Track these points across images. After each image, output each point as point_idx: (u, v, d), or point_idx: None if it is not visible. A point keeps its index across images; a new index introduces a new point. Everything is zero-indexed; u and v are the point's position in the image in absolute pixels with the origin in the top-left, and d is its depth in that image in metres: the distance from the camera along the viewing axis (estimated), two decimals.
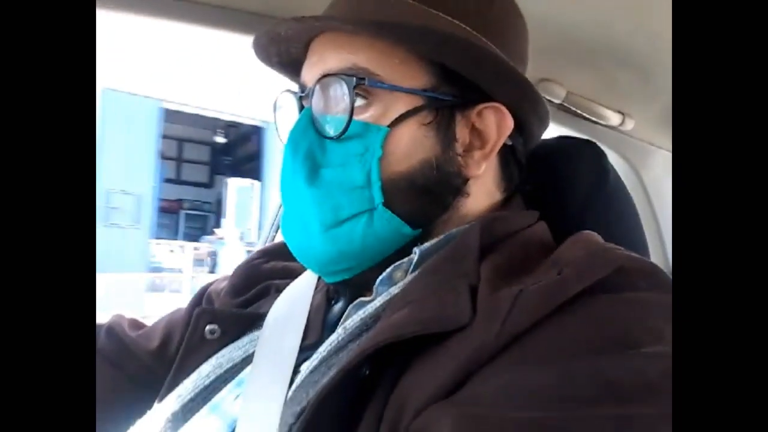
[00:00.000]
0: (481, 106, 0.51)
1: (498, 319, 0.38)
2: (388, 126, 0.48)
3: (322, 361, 0.46)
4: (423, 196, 0.50)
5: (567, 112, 0.94)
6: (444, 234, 0.51)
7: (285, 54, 0.56)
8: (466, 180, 0.52)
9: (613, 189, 0.62)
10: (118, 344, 0.64)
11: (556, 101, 0.90)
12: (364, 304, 0.49)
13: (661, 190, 1.07)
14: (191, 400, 0.52)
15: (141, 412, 0.57)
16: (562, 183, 0.60)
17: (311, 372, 0.46)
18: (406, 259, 0.50)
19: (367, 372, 0.41)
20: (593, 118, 0.95)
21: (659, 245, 1.08)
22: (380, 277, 0.50)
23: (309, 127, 0.51)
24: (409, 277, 0.49)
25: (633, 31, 0.80)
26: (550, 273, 0.41)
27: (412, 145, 0.49)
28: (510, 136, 0.52)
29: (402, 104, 0.49)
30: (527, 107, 0.52)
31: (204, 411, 0.51)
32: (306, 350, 0.51)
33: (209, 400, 0.52)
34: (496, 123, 0.51)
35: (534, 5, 0.74)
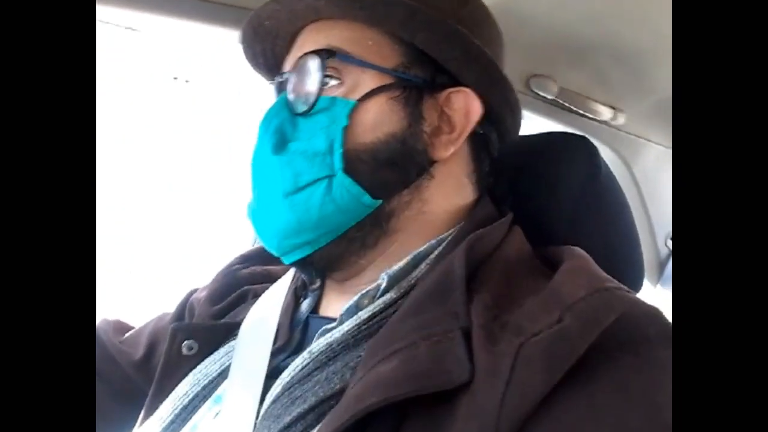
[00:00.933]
0: (449, 90, 0.52)
1: (501, 378, 0.36)
2: (357, 99, 0.49)
3: (285, 390, 0.45)
4: (386, 168, 0.50)
5: (559, 107, 0.94)
6: (409, 251, 0.50)
7: (270, 53, 0.58)
8: (431, 161, 0.52)
9: (606, 184, 0.62)
10: (102, 353, 0.64)
11: (549, 97, 0.91)
12: (328, 330, 0.48)
13: (652, 184, 1.08)
14: (171, 422, 0.51)
15: (122, 424, 0.58)
16: (554, 178, 0.60)
17: (273, 402, 0.45)
18: (373, 286, 0.49)
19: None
20: (585, 113, 0.96)
21: (650, 239, 1.09)
22: (345, 307, 0.48)
23: (283, 107, 0.52)
24: (380, 302, 0.47)
25: (625, 27, 0.80)
26: (548, 316, 0.38)
27: (378, 118, 0.50)
28: (481, 125, 0.53)
29: (371, 81, 0.50)
30: (497, 93, 0.52)
31: (185, 431, 0.50)
32: (277, 354, 0.51)
33: (189, 419, 0.51)
34: (464, 108, 0.52)
35: (525, 2, 0.74)
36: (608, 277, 0.43)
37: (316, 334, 0.49)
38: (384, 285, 0.48)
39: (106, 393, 0.62)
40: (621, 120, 0.98)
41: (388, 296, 0.48)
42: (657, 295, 1.12)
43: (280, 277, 0.63)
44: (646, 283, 1.10)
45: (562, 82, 0.90)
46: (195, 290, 0.69)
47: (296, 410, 0.43)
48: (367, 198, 0.49)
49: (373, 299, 0.48)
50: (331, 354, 0.46)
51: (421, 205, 0.51)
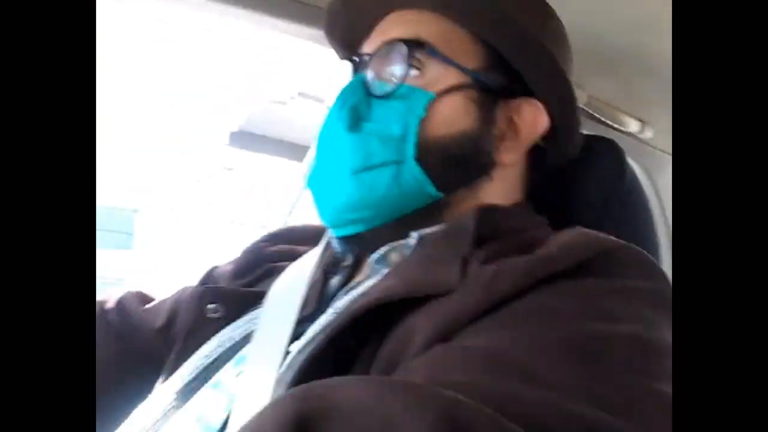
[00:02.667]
0: (521, 100, 0.54)
1: (479, 288, 0.39)
2: (437, 93, 0.51)
3: (309, 342, 0.47)
4: (453, 163, 0.52)
5: (587, 116, 0.95)
6: (446, 223, 0.52)
7: (350, 28, 0.59)
8: (494, 163, 0.54)
9: (631, 188, 0.64)
10: (125, 319, 0.65)
11: (578, 105, 0.91)
12: (357, 285, 0.51)
13: None
14: (194, 379, 0.53)
15: (144, 390, 0.58)
16: (581, 178, 0.62)
17: (299, 352, 0.47)
18: (403, 241, 0.51)
19: (353, 343, 0.41)
20: (614, 124, 0.96)
21: (670, 252, 1.08)
22: (375, 256, 0.51)
23: (359, 86, 0.53)
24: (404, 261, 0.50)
25: (657, 40, 0.81)
26: (538, 252, 0.42)
27: (454, 115, 0.52)
28: (543, 139, 0.55)
29: (452, 78, 0.52)
30: (564, 112, 0.55)
31: (206, 388, 0.51)
32: (302, 323, 0.52)
33: (211, 378, 0.52)
34: (532, 119, 0.54)
35: (559, 10, 0.76)
36: (605, 234, 0.45)
37: (341, 291, 0.51)
38: (413, 243, 0.50)
39: (132, 359, 0.63)
40: (648, 134, 0.98)
41: (412, 253, 0.49)
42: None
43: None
44: None
45: (591, 91, 0.91)
46: (217, 266, 0.70)
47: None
48: (432, 188, 0.51)
49: (401, 256, 0.51)
50: (358, 304, 0.46)
51: (474, 202, 0.53)
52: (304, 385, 0.30)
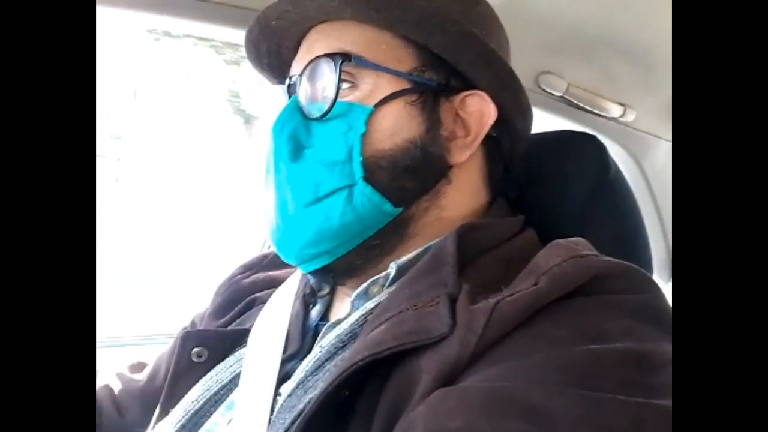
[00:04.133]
0: (464, 94, 0.51)
1: (475, 332, 0.37)
2: (374, 105, 0.49)
3: (299, 384, 0.46)
4: (405, 175, 0.49)
5: (567, 104, 0.94)
6: (420, 243, 0.50)
7: (275, 54, 0.57)
8: (449, 166, 0.51)
9: (615, 183, 0.62)
10: (125, 392, 0.65)
11: (557, 94, 0.91)
12: (339, 321, 0.49)
13: (662, 180, 1.08)
14: (183, 426, 0.51)
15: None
16: (563, 177, 0.60)
17: (289, 396, 0.46)
18: (383, 274, 0.49)
19: (347, 394, 0.39)
20: (594, 110, 0.95)
21: (661, 236, 1.08)
22: (356, 292, 0.49)
23: (294, 111, 0.51)
24: (386, 291, 0.48)
25: (633, 24, 0.80)
26: (526, 283, 0.40)
27: (397, 124, 0.49)
28: (494, 128, 0.52)
29: (388, 86, 0.49)
30: (509, 96, 0.52)
31: None
32: (288, 362, 0.51)
33: (201, 425, 0.51)
34: (479, 111, 0.51)
35: (535, 0, 0.75)
36: (589, 247, 0.44)
37: (324, 328, 0.49)
38: (393, 274, 0.48)
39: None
40: (630, 117, 0.98)
41: (395, 286, 0.48)
42: (667, 293, 1.12)
43: (284, 280, 0.62)
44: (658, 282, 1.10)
45: (570, 79, 0.90)
46: (194, 315, 0.69)
47: (308, 397, 0.44)
48: (388, 206, 0.49)
49: (382, 288, 0.49)
50: (340, 344, 0.46)
51: (438, 211, 0.51)
52: None
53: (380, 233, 0.50)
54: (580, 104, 0.94)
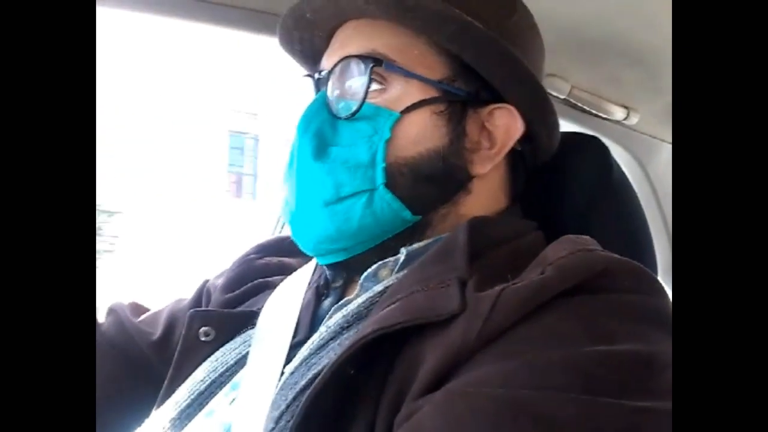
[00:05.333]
0: (492, 107, 0.52)
1: (480, 317, 0.37)
2: (401, 112, 0.49)
3: (303, 361, 0.46)
4: (426, 184, 0.50)
5: (571, 106, 0.94)
6: (434, 237, 0.51)
7: (308, 42, 0.57)
8: (470, 177, 0.52)
9: (618, 185, 0.62)
10: (121, 330, 0.64)
11: (561, 96, 0.91)
12: (348, 302, 0.49)
13: (666, 183, 1.07)
14: (188, 406, 0.52)
15: (138, 402, 0.58)
16: (565, 178, 0.60)
17: (292, 373, 0.46)
18: (392, 258, 0.50)
19: (352, 372, 0.40)
20: (598, 113, 0.95)
21: (665, 239, 1.08)
22: (365, 274, 0.50)
23: (322, 107, 0.52)
24: (395, 276, 0.49)
25: (637, 27, 0.80)
26: (532, 273, 0.40)
27: (421, 132, 0.50)
28: (519, 142, 0.53)
29: (416, 93, 0.50)
30: (538, 114, 0.52)
31: (200, 417, 0.51)
32: (296, 348, 0.51)
33: (205, 405, 0.52)
34: (505, 125, 0.52)
35: (538, 2, 0.75)
36: (595, 243, 0.44)
37: (332, 309, 0.50)
38: (402, 259, 0.49)
39: (125, 370, 0.62)
40: (634, 120, 0.98)
41: (405, 271, 0.48)
42: (671, 295, 1.11)
43: (296, 269, 0.63)
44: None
45: (574, 82, 0.90)
46: (208, 280, 0.69)
47: (311, 374, 0.44)
48: (407, 213, 0.50)
49: (391, 272, 0.49)
50: (345, 324, 0.47)
51: (457, 219, 0.51)
52: None
53: (398, 236, 0.51)
54: (584, 107, 0.94)
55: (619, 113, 0.96)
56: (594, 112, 0.95)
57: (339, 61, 0.51)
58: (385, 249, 0.50)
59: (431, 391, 0.36)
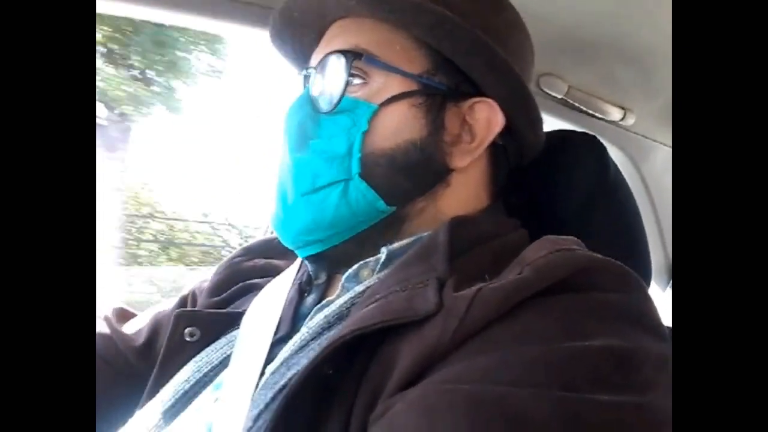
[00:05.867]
0: (473, 100, 0.52)
1: (456, 317, 0.38)
2: (379, 104, 0.50)
3: (283, 362, 0.46)
4: (402, 175, 0.50)
5: (568, 106, 0.94)
6: (412, 233, 0.51)
7: (298, 43, 0.58)
8: (449, 170, 0.52)
9: (615, 183, 0.62)
10: (105, 338, 0.64)
11: (558, 96, 0.91)
12: (329, 303, 0.50)
13: (661, 185, 1.08)
14: (172, 405, 0.52)
15: (123, 409, 0.57)
16: (563, 176, 0.60)
17: (272, 373, 0.46)
18: (373, 258, 0.50)
19: (330, 372, 0.40)
20: (595, 113, 0.95)
21: (659, 240, 1.08)
22: (346, 274, 0.50)
23: (306, 103, 0.53)
24: (376, 276, 0.49)
25: (635, 27, 0.80)
26: (511, 273, 0.41)
27: (400, 124, 0.50)
28: (501, 136, 0.53)
29: (396, 86, 0.50)
30: (517, 107, 0.52)
31: (184, 416, 0.51)
32: (277, 344, 0.51)
33: (189, 404, 0.52)
34: (486, 119, 0.52)
35: (535, 2, 0.74)
36: (580, 244, 0.44)
37: (314, 310, 0.50)
38: (383, 259, 0.49)
39: (109, 376, 0.62)
40: (630, 120, 0.98)
41: (386, 271, 0.48)
42: (666, 300, 1.11)
43: (281, 270, 0.63)
44: (656, 288, 1.10)
45: (571, 82, 0.90)
46: (195, 286, 0.69)
47: (290, 373, 0.44)
48: (381, 204, 0.50)
49: (372, 272, 0.50)
50: (326, 325, 0.47)
51: (435, 213, 0.52)
52: None
53: (374, 228, 0.51)
54: (581, 107, 0.94)
55: (615, 114, 0.96)
56: (591, 112, 0.95)
57: (323, 58, 0.52)
58: (362, 241, 0.51)
59: (406, 389, 0.36)
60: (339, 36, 0.53)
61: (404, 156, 0.50)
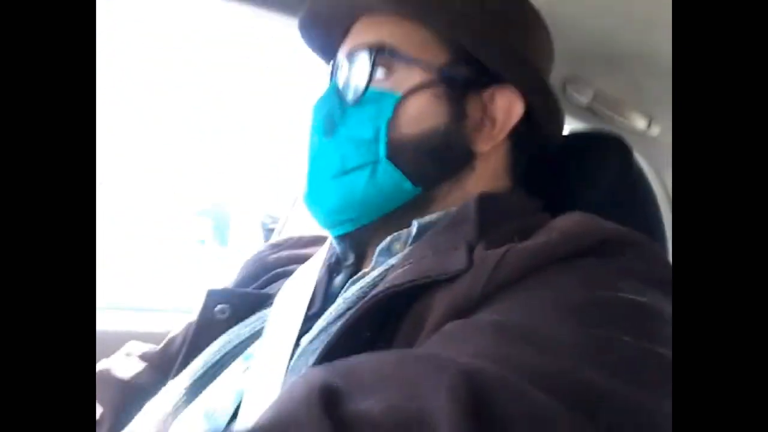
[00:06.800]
0: (493, 89, 0.55)
1: (486, 272, 0.40)
2: (403, 93, 0.53)
3: (321, 331, 0.48)
4: (427, 159, 0.53)
5: (593, 112, 0.95)
6: (443, 210, 0.54)
7: (326, 38, 0.61)
8: (473, 154, 0.55)
9: (636, 183, 0.64)
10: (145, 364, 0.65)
11: (584, 101, 0.92)
12: (363, 275, 0.52)
13: None
14: (202, 376, 0.54)
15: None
16: (585, 173, 0.62)
17: (310, 342, 0.48)
18: (404, 231, 0.52)
19: (369, 335, 0.42)
20: (620, 120, 0.96)
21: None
22: (379, 247, 0.52)
23: (333, 95, 0.55)
24: (408, 249, 0.51)
25: (663, 37, 0.80)
26: (539, 237, 0.43)
27: (423, 112, 0.53)
28: (522, 124, 0.55)
29: (418, 77, 0.53)
30: (536, 97, 0.55)
31: (214, 385, 0.52)
32: (309, 320, 0.53)
33: (218, 375, 0.53)
34: (506, 106, 0.55)
35: (565, 7, 0.76)
36: (605, 221, 0.45)
37: (349, 282, 0.53)
38: (414, 232, 0.52)
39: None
40: (656, 131, 0.98)
41: (417, 242, 0.51)
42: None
43: (307, 259, 0.65)
44: None
45: (597, 88, 0.91)
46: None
47: (329, 340, 0.45)
48: (408, 184, 0.53)
49: (404, 245, 0.52)
50: (362, 294, 0.49)
51: (461, 194, 0.54)
52: (330, 363, 0.33)
53: (402, 209, 0.53)
54: (607, 113, 0.94)
55: (641, 122, 0.96)
56: (616, 119, 0.95)
57: (349, 52, 0.55)
58: (390, 221, 0.53)
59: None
60: (364, 31, 0.56)
61: (429, 141, 0.53)
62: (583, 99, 0.91)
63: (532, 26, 0.59)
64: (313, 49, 0.64)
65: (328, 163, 0.54)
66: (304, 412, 0.28)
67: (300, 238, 0.74)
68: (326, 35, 0.61)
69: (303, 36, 0.63)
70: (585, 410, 0.30)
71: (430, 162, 0.53)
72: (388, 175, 0.52)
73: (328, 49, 0.62)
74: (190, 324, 0.68)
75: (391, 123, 0.52)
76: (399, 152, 0.52)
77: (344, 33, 0.59)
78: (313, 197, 0.55)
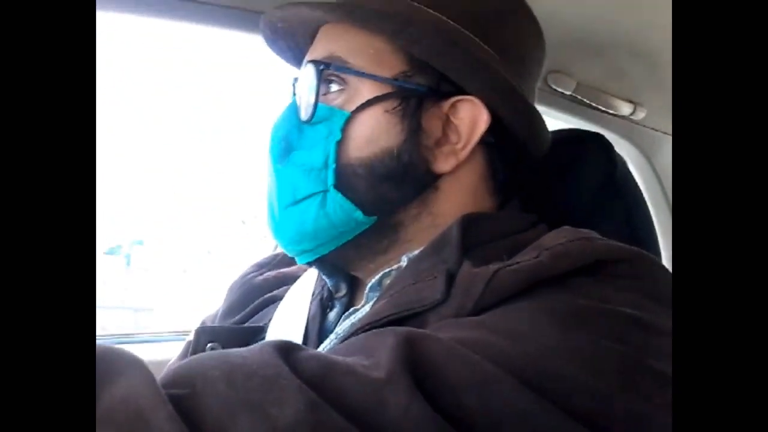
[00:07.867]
0: (454, 99, 0.49)
1: (472, 298, 0.38)
2: (351, 111, 0.49)
3: None
4: (382, 184, 0.49)
5: (577, 102, 0.94)
6: (411, 238, 0.50)
7: (294, 49, 0.58)
8: (435, 175, 0.50)
9: (621, 182, 0.62)
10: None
11: (567, 92, 0.91)
12: (355, 311, 0.50)
13: None
14: None
15: None
16: (569, 177, 0.61)
17: None
18: (395, 266, 0.49)
19: None
20: (604, 108, 0.95)
21: (670, 233, 1.08)
22: (370, 284, 0.50)
23: (292, 113, 0.52)
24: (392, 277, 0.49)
25: (642, 23, 0.80)
26: (528, 256, 0.40)
27: (374, 131, 0.49)
28: (492, 134, 0.50)
29: (369, 91, 0.49)
30: (502, 103, 0.50)
31: None
32: None
33: None
34: (470, 117, 0.49)
35: None
36: (596, 234, 0.43)
37: (343, 317, 0.51)
38: (404, 266, 0.48)
39: None
40: (641, 114, 0.98)
41: (402, 270, 0.48)
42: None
43: (297, 277, 0.63)
44: None
45: (579, 78, 0.90)
46: (205, 317, 0.69)
47: None
48: (359, 214, 0.49)
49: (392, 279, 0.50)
50: (352, 330, 0.46)
51: (432, 218, 0.50)
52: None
53: (366, 236, 0.50)
54: (590, 102, 0.94)
55: (625, 108, 0.96)
56: (600, 107, 0.95)
57: (303, 66, 0.52)
58: (357, 246, 0.51)
59: None
60: (319, 43, 0.53)
61: (382, 165, 0.48)
62: (566, 90, 0.90)
63: (506, 21, 0.53)
64: (286, 60, 0.60)
65: (281, 191, 0.51)
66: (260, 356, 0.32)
67: (284, 254, 0.71)
68: (293, 47, 0.58)
69: (272, 49, 0.59)
70: (536, 388, 0.31)
71: (386, 188, 0.49)
72: (338, 205, 0.49)
73: (299, 60, 0.59)
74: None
75: (341, 146, 0.48)
76: (349, 179, 0.49)
77: (310, 41, 0.55)
78: (272, 227, 0.53)
